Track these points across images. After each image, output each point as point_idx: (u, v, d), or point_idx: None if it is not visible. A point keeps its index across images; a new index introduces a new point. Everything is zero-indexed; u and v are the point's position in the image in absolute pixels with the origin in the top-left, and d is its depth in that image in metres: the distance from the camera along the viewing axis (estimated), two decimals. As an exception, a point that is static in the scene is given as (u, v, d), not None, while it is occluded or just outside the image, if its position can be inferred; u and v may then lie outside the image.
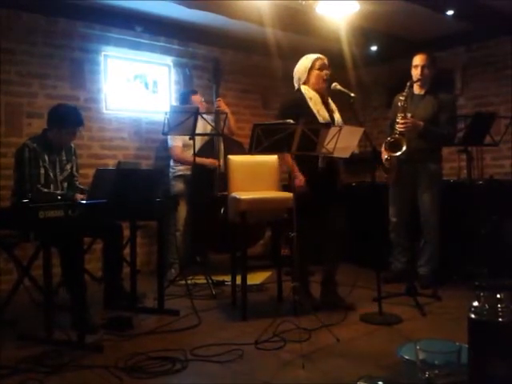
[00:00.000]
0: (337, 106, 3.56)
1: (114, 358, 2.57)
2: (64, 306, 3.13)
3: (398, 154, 3.77)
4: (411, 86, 3.91)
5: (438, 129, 3.95)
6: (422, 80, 3.97)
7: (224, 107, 4.71)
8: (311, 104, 3.39)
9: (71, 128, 3.45)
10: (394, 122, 3.95)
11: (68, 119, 3.43)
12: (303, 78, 3.48)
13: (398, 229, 4.17)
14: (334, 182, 3.47)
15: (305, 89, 3.46)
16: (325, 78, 3.44)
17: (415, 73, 4.00)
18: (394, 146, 3.79)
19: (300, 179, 3.32)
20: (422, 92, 4.04)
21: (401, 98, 3.85)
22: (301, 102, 3.40)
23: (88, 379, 2.36)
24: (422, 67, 3.97)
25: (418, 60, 4.00)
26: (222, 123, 4.44)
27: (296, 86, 3.54)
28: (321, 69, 3.45)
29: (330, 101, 3.54)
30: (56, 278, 2.95)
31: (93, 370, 2.45)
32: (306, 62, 3.49)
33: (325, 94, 3.51)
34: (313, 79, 3.46)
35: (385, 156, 3.87)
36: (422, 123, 3.88)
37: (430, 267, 4.04)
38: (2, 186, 4.07)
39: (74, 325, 2.89)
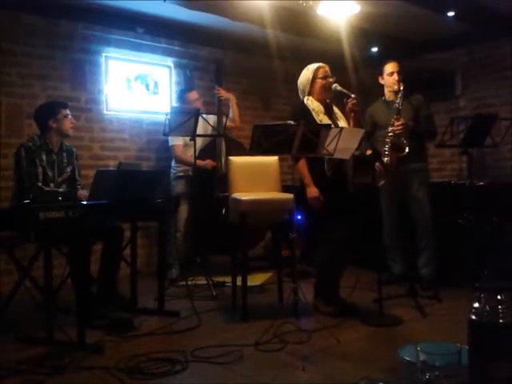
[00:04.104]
0: (338, 108, 3.56)
1: (115, 359, 2.57)
2: (65, 307, 3.14)
3: (405, 153, 3.83)
4: (400, 91, 3.96)
5: (424, 127, 4.07)
6: (399, 85, 4.01)
7: (226, 94, 4.70)
8: (314, 114, 3.38)
9: (62, 110, 3.53)
10: (371, 134, 4.04)
11: (53, 106, 3.58)
12: (307, 90, 3.47)
13: (393, 230, 4.20)
14: (344, 188, 3.42)
15: (308, 100, 3.45)
16: (328, 86, 3.42)
17: (391, 78, 4.10)
18: (394, 149, 3.86)
19: (313, 190, 3.29)
20: (395, 97, 4.05)
21: (397, 101, 3.93)
22: (304, 112, 3.38)
23: (88, 380, 2.36)
24: (398, 73, 4.08)
25: (393, 67, 4.11)
26: (224, 119, 4.43)
27: (301, 97, 3.53)
28: (324, 77, 3.44)
29: (335, 109, 3.53)
30: (57, 279, 2.95)
31: (93, 371, 2.45)
32: (307, 73, 3.48)
33: (330, 102, 3.51)
34: (316, 89, 3.45)
35: (384, 160, 3.88)
36: (412, 123, 3.98)
37: (430, 268, 4.05)
38: (2, 187, 4.07)
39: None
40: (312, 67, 3.49)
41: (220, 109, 4.67)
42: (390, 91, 4.15)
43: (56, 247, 3.07)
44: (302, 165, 3.32)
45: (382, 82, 4.20)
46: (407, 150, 3.84)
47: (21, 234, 2.96)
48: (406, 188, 4.11)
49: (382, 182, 3.89)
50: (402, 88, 3.94)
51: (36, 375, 2.40)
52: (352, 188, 3.44)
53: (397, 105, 3.91)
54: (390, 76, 4.11)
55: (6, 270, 4.00)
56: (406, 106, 4.04)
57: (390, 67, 4.12)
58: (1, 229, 2.94)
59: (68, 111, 3.58)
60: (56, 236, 2.82)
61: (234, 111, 4.77)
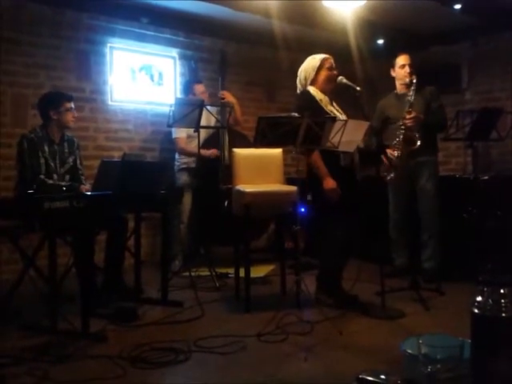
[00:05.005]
0: (343, 100, 3.54)
1: (118, 348, 2.59)
2: (68, 296, 3.16)
3: (417, 147, 3.81)
4: (412, 83, 3.93)
5: (435, 118, 4.03)
6: (411, 78, 3.99)
7: (230, 98, 4.70)
8: (323, 105, 3.36)
9: (66, 103, 3.51)
10: (380, 130, 4.00)
11: (57, 98, 3.55)
12: (310, 78, 3.42)
13: (399, 224, 4.19)
14: (354, 178, 3.42)
15: (313, 90, 3.40)
16: (333, 78, 3.39)
17: (403, 71, 4.07)
18: (406, 142, 3.84)
19: (331, 182, 3.23)
20: (407, 90, 4.02)
21: (409, 93, 3.89)
22: (314, 102, 3.34)
23: (92, 369, 2.38)
24: (410, 66, 4.05)
25: (405, 59, 4.09)
26: (227, 114, 4.43)
27: (299, 86, 3.49)
28: (330, 69, 3.41)
29: (334, 103, 3.50)
30: (61, 268, 2.97)
31: (97, 360, 2.47)
32: (314, 61, 3.43)
33: (331, 95, 3.48)
34: (321, 79, 3.41)
35: (395, 154, 3.86)
36: (423, 116, 3.94)
37: (433, 262, 4.05)
38: (7, 177, 4.09)
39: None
40: (319, 56, 3.44)
41: (224, 110, 4.63)
42: (401, 84, 4.11)
43: (60, 237, 3.08)
44: (317, 156, 3.25)
45: (393, 74, 4.16)
46: (419, 143, 3.82)
47: (25, 223, 2.98)
48: (414, 181, 4.09)
49: (390, 176, 3.87)
50: (414, 81, 3.89)
51: (40, 363, 2.41)
52: (360, 178, 3.43)
53: (409, 98, 3.87)
54: (401, 69, 4.07)
55: (11, 259, 4.03)
56: (418, 99, 4.00)
57: (401, 60, 4.08)
58: (6, 218, 2.96)
59: (72, 104, 3.56)
60: (60, 226, 2.83)
61: (236, 113, 4.73)
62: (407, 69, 4.04)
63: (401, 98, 4.06)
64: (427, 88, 4.13)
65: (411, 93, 3.88)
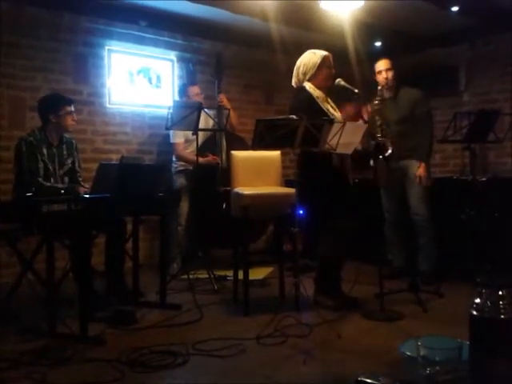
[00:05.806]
0: (341, 102, 3.54)
1: (117, 351, 2.58)
2: (67, 300, 3.16)
3: (387, 154, 3.79)
4: (381, 91, 3.89)
5: (423, 143, 4.02)
6: (389, 83, 4.00)
7: (226, 103, 4.70)
8: (319, 102, 3.35)
9: (66, 106, 3.51)
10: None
11: (58, 101, 3.54)
12: (310, 74, 3.39)
13: (392, 226, 4.20)
14: (347, 179, 3.42)
15: (310, 87, 3.38)
16: (332, 76, 3.39)
17: (381, 78, 4.06)
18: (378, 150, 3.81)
19: None
20: (391, 94, 4.05)
21: (374, 102, 3.71)
22: (311, 101, 3.33)
23: (90, 372, 2.37)
24: (386, 71, 4.04)
25: (381, 65, 4.08)
26: (224, 119, 4.43)
27: (295, 79, 3.46)
28: (330, 67, 3.41)
29: (328, 99, 3.49)
30: (59, 272, 2.96)
31: (95, 364, 2.46)
32: (314, 57, 3.39)
33: (327, 92, 3.47)
34: (322, 76, 3.38)
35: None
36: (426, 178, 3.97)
37: (431, 263, 4.05)
38: (5, 180, 4.08)
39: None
40: (319, 53, 3.41)
41: (221, 112, 4.62)
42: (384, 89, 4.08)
43: (58, 240, 3.08)
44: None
45: (377, 79, 4.14)
46: (390, 151, 3.75)
47: (23, 226, 2.97)
48: (404, 184, 4.09)
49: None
50: (379, 87, 3.73)
51: (38, 367, 2.40)
52: (351, 180, 3.44)
53: (375, 106, 3.62)
54: (379, 74, 4.09)
55: (9, 262, 4.01)
56: (401, 104, 4.02)
57: (378, 65, 4.09)
58: (4, 221, 2.96)
59: (72, 108, 3.56)
60: (58, 229, 2.83)
61: (232, 120, 4.70)
62: (384, 74, 4.04)
63: (386, 101, 3.95)
64: (414, 92, 4.11)
65: (376, 101, 3.64)
